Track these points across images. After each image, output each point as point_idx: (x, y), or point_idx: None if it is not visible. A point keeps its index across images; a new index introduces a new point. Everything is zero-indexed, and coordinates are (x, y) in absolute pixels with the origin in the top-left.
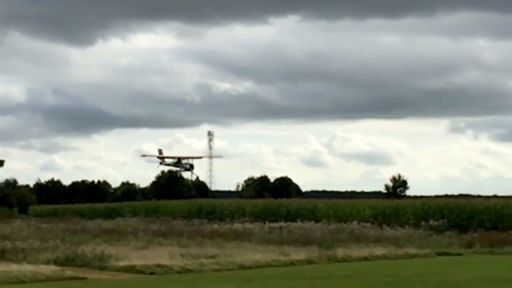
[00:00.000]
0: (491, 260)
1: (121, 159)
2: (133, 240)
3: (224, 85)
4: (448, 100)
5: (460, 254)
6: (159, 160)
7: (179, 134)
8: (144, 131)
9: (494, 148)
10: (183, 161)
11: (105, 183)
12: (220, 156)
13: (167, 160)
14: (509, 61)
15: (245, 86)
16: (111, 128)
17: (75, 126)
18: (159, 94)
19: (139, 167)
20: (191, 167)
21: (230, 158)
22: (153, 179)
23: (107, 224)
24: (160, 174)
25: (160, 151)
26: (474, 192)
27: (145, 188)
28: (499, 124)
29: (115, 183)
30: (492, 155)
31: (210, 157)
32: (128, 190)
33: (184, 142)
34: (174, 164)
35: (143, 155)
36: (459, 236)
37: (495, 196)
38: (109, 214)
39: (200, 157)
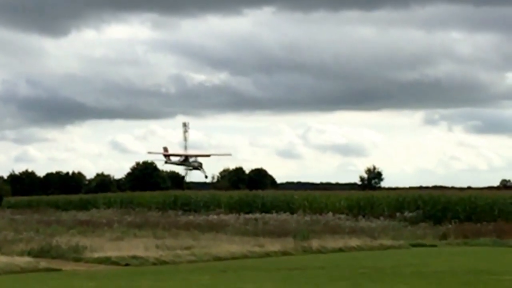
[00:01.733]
0: (465, 251)
1: (96, 151)
2: (108, 231)
3: (199, 77)
4: (423, 92)
5: (434, 246)
6: (164, 159)
7: (154, 125)
8: (119, 122)
9: (469, 140)
10: (191, 159)
11: (79, 174)
12: (229, 154)
13: (173, 158)
14: (484, 54)
15: (220, 77)
16: (86, 119)
17: (49, 117)
18: (134, 85)
19: (113, 158)
20: (199, 166)
21: (205, 149)
22: (128, 170)
23: (82, 215)
24: (135, 166)
25: (165, 149)
26: (448, 184)
27: (120, 180)
28: (473, 116)
29: (89, 174)
30: (466, 147)
31: (218, 155)
32: (103, 182)
33: (159, 133)
34: (181, 163)
35: (149, 152)
36: (433, 227)
37: (469, 188)
38: (84, 206)
39: (208, 155)
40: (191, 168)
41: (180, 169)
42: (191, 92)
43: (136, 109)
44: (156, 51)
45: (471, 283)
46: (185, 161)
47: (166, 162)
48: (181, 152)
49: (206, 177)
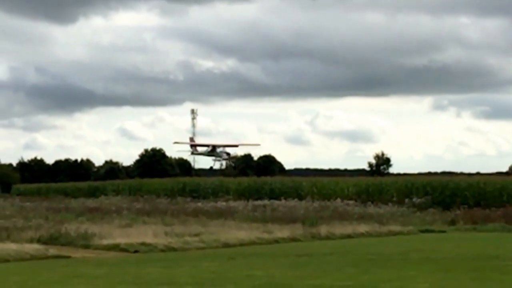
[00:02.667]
0: (474, 237)
1: (104, 138)
2: (117, 218)
3: (207, 63)
4: (431, 77)
5: (443, 231)
6: (190, 149)
7: (162, 112)
8: (127, 109)
9: (477, 126)
10: (218, 150)
11: (88, 161)
12: (258, 144)
13: (200, 149)
14: (492, 39)
15: (228, 64)
16: (94, 107)
17: (57, 105)
18: (142, 72)
19: (122, 145)
20: (228, 156)
21: (213, 136)
22: (137, 157)
23: (91, 202)
24: (144, 153)
25: (191, 139)
26: (457, 169)
27: (129, 167)
28: (482, 101)
29: (98, 161)
30: (475, 133)
31: (246, 145)
32: (112, 169)
33: (167, 120)
34: (208, 153)
35: (176, 142)
36: (442, 213)
37: (478, 174)
38: (93, 193)
39: (236, 145)
40: (220, 158)
41: (187, 156)
42: (199, 78)
43: (144, 96)
44: (164, 38)
45: (480, 268)
46: (213, 151)
47: (192, 153)
48: (208, 142)
49: (234, 168)
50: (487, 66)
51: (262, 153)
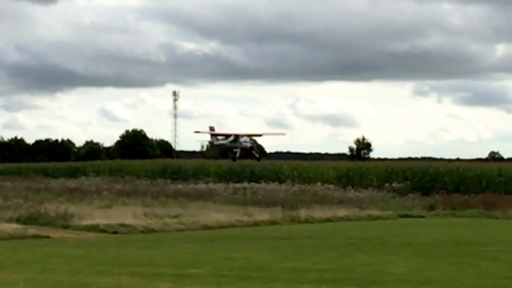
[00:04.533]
0: (452, 223)
1: (85, 118)
2: (97, 199)
3: (189, 45)
4: (413, 63)
5: (422, 216)
6: (210, 139)
7: (144, 93)
8: (108, 90)
9: (458, 112)
10: (242, 139)
11: (68, 141)
12: (283, 134)
13: (221, 138)
14: (474, 25)
15: (210, 46)
16: (75, 87)
17: (38, 84)
18: (124, 53)
19: (103, 126)
20: (252, 146)
21: (194, 118)
22: (118, 138)
23: (71, 183)
24: (125, 134)
25: (211, 128)
26: (437, 155)
27: (109, 148)
28: (463, 87)
29: (79, 142)
30: (455, 119)
31: (271, 134)
32: (92, 149)
33: (149, 102)
34: (230, 144)
35: (196, 132)
36: (421, 198)
37: (458, 160)
38: (73, 173)
39: (260, 135)
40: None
41: (168, 138)
42: (181, 60)
43: (126, 77)
44: (146, 19)
45: (457, 254)
46: (235, 141)
47: (212, 143)
48: (229, 131)
49: (258, 159)
50: (469, 52)
51: None
